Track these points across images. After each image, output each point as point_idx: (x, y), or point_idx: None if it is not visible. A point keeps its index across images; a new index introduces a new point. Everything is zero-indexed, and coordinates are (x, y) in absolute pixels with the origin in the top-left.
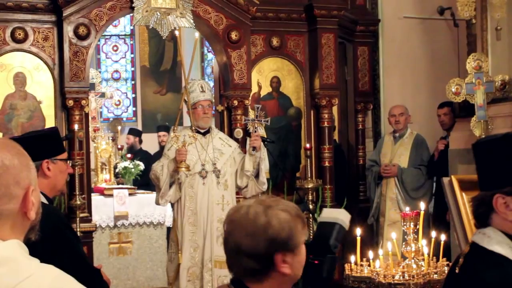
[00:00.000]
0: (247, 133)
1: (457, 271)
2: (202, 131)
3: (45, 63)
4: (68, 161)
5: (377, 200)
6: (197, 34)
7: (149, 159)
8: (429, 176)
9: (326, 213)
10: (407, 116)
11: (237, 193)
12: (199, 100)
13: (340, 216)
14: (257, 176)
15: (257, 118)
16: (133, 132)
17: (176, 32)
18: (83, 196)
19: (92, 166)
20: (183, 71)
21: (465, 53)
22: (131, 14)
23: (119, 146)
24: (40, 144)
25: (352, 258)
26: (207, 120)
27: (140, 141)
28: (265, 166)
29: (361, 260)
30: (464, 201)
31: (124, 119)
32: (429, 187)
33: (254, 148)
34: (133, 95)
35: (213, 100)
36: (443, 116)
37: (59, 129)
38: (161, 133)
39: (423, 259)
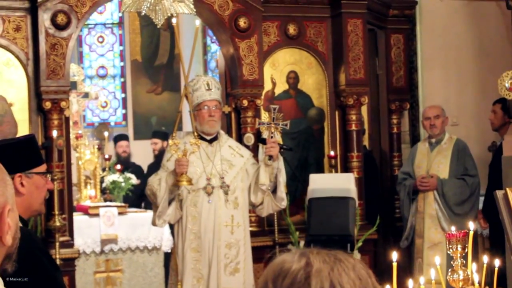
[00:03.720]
0: (259, 140)
1: None
2: (208, 138)
3: (17, 58)
4: (47, 175)
5: (411, 219)
6: (198, 22)
7: (140, 173)
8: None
9: (326, 183)
10: (444, 118)
11: (250, 212)
12: (204, 100)
13: (351, 185)
14: (274, 191)
15: (274, 121)
16: (124, 137)
17: (173, 20)
18: (63, 216)
19: (74, 180)
20: (181, 66)
21: None
22: None
23: (106, 156)
24: (13, 155)
25: None
26: (213, 124)
27: None
28: (283, 178)
29: None
30: None
31: (112, 123)
32: (476, 201)
33: (270, 157)
34: (123, 95)
35: (221, 101)
36: (491, 114)
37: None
38: (154, 141)
39: None
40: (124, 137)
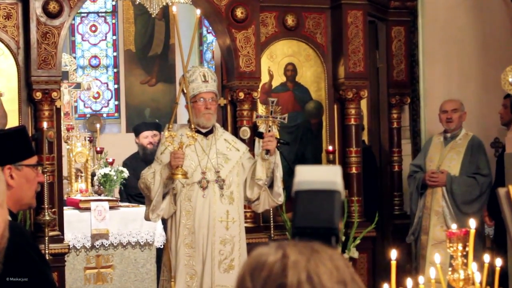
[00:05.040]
0: (255, 133)
1: None
2: (203, 130)
3: (7, 46)
4: (38, 167)
5: (419, 214)
6: (198, 11)
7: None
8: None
9: (312, 175)
10: (462, 113)
11: (245, 207)
12: (200, 92)
13: (337, 177)
14: (271, 186)
15: (272, 115)
16: (149, 127)
17: (174, 8)
18: (53, 210)
19: (65, 173)
20: (181, 56)
21: None
22: None
23: (98, 149)
24: (3, 146)
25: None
26: (209, 117)
27: None
28: (280, 173)
29: None
30: None
31: (104, 115)
32: (485, 202)
33: (267, 152)
34: (116, 86)
35: (217, 93)
36: (502, 108)
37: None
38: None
39: None
40: (148, 126)
